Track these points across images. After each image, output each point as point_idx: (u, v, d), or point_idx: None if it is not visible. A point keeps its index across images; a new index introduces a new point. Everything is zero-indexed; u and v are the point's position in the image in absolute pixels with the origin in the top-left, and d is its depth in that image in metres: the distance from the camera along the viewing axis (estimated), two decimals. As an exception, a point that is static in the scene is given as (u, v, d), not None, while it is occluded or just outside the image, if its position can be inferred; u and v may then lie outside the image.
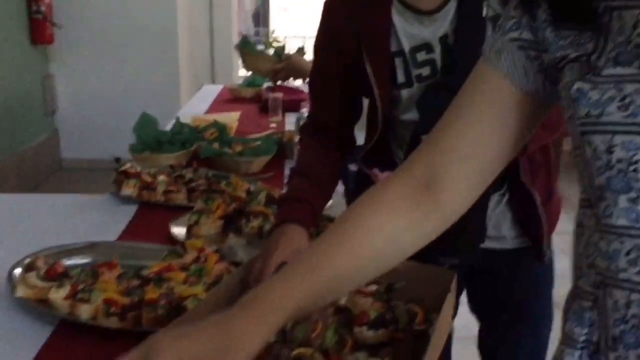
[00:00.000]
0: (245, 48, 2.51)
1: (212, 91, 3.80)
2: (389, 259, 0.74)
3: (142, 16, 4.70)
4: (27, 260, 1.13)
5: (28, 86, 4.45)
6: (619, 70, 0.58)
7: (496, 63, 0.71)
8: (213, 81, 5.60)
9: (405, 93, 1.19)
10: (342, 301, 1.01)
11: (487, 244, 1.24)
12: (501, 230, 1.26)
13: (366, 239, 0.71)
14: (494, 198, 1.23)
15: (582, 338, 0.65)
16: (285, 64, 2.47)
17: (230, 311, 0.66)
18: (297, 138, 2.04)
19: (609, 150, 0.59)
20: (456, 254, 1.18)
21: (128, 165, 1.77)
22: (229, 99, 3.40)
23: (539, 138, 1.15)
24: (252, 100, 3.24)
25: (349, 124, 1.35)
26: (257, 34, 12.45)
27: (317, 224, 1.24)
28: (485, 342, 1.41)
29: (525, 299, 1.33)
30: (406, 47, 1.16)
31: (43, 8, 4.30)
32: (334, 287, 0.72)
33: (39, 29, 4.34)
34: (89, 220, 1.53)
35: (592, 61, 0.60)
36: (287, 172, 1.93)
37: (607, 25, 0.59)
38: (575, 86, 0.61)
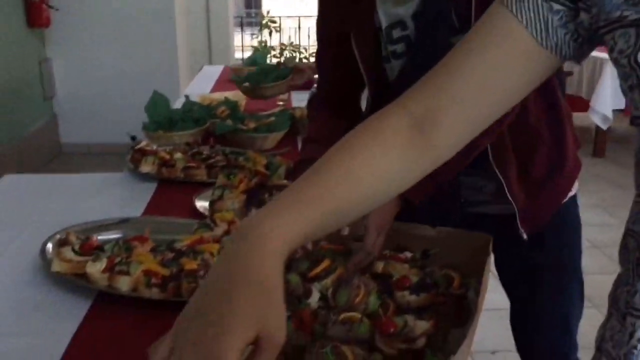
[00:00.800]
0: (260, 84, 2.34)
1: (213, 71, 3.78)
2: (382, 196, 0.72)
3: (139, 2, 4.65)
4: (59, 236, 1.13)
5: (25, 71, 4.41)
6: None
7: (516, 10, 0.67)
8: (210, 63, 5.56)
9: (387, 68, 1.23)
10: (379, 267, 1.01)
11: (498, 209, 1.24)
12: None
13: (364, 175, 0.68)
14: None
15: None
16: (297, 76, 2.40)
17: (236, 252, 0.58)
18: (309, 113, 2.03)
19: None
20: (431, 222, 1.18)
21: (144, 143, 1.77)
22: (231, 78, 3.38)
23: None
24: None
25: (355, 93, 1.38)
26: (249, 15, 12.39)
27: None
28: (514, 314, 1.41)
29: (549, 264, 1.34)
30: (384, 24, 1.19)
31: (38, -9, 4.25)
32: (334, 219, 0.68)
33: (36, 12, 4.29)
34: (109, 198, 1.53)
35: None
36: (301, 146, 1.93)
37: None
38: None
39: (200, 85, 3.28)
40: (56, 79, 4.78)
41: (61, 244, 1.09)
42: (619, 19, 0.61)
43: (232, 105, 2.16)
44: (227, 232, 1.17)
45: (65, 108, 4.87)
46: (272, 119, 1.97)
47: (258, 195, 1.47)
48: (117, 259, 1.02)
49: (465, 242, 1.03)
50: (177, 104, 2.34)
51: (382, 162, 0.69)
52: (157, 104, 1.98)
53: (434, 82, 0.71)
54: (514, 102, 0.72)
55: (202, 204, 1.42)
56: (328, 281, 0.94)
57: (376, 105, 1.34)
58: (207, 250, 1.08)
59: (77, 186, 1.62)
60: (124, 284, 0.98)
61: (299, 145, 1.96)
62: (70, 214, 1.38)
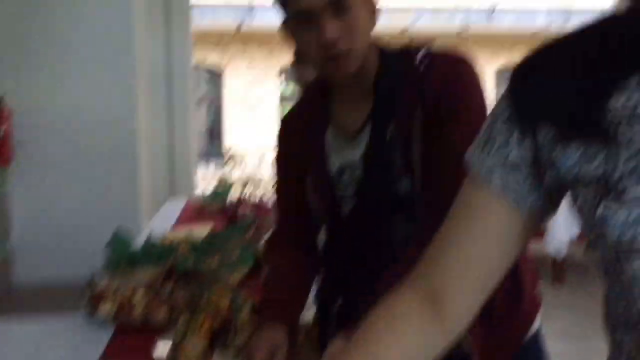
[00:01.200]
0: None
1: (176, 206, 3.79)
2: None
3: (102, 139, 4.73)
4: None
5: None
6: None
7: (488, 182, 0.71)
8: (173, 195, 5.58)
9: (340, 207, 1.28)
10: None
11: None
12: None
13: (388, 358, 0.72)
14: None
15: None
16: None
17: None
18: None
19: None
20: None
21: (102, 283, 1.71)
22: (195, 213, 3.40)
23: None
24: (218, 214, 3.23)
25: (312, 230, 1.41)
26: (211, 151, 12.68)
27: (294, 320, 1.30)
28: None
29: None
30: (335, 166, 1.27)
31: (3, 130, 4.29)
32: None
33: (-2, 150, 4.30)
34: (63, 344, 1.45)
35: (611, 182, 0.59)
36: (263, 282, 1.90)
37: (615, 136, 0.60)
38: (599, 210, 0.60)
39: (163, 221, 3.27)
40: (14, 216, 4.70)
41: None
42: (575, 179, 0.64)
43: (193, 241, 2.15)
44: (189, 380, 1.11)
45: (22, 246, 4.74)
46: (235, 255, 1.95)
47: (222, 336, 1.42)
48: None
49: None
50: (140, 239, 2.32)
51: (403, 343, 0.73)
52: (119, 241, 1.96)
53: (431, 258, 0.77)
54: (511, 262, 0.76)
55: (163, 348, 1.36)
56: None
57: (332, 242, 1.36)
58: (168, 401, 1.02)
59: (29, 331, 1.54)
60: None
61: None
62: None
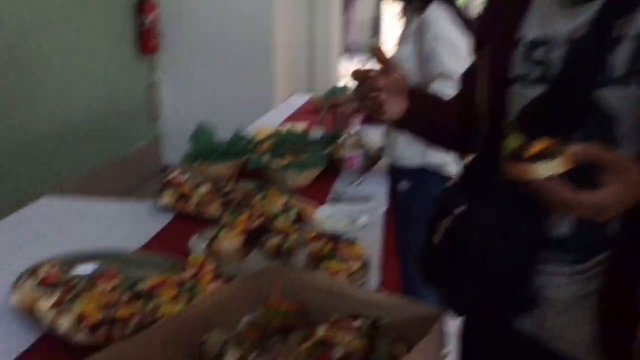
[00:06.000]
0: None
1: (298, 101, 3.82)
2: None
3: (241, 30, 4.85)
4: (32, 268, 1.16)
5: (134, 94, 4.72)
6: None
7: None
8: (312, 88, 5.63)
9: (508, 93, 0.99)
10: (322, 332, 0.93)
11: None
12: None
13: None
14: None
15: None
16: None
17: None
18: (349, 153, 1.97)
19: None
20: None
21: (175, 173, 1.80)
22: (312, 109, 3.40)
23: None
24: (328, 113, 3.20)
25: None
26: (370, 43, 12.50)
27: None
28: None
29: None
30: (529, 36, 0.98)
31: (150, 19, 4.54)
32: None
33: (146, 39, 4.59)
34: (124, 227, 1.57)
35: None
36: (335, 189, 1.87)
37: None
38: None
39: (278, 114, 3.33)
40: (163, 102, 5.07)
41: (30, 275, 1.12)
42: None
43: (282, 138, 2.15)
44: (194, 276, 1.15)
45: (170, 129, 5.14)
46: (306, 155, 1.93)
47: (259, 237, 1.44)
48: (68, 297, 1.03)
49: (417, 314, 0.93)
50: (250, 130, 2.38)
51: None
52: (202, 135, 2.02)
53: None
54: None
55: (197, 243, 1.41)
56: (247, 344, 0.88)
57: (490, 144, 0.98)
58: (164, 294, 1.07)
59: (100, 213, 1.68)
60: (63, 324, 0.98)
61: (334, 187, 1.89)
62: (78, 240, 1.43)
